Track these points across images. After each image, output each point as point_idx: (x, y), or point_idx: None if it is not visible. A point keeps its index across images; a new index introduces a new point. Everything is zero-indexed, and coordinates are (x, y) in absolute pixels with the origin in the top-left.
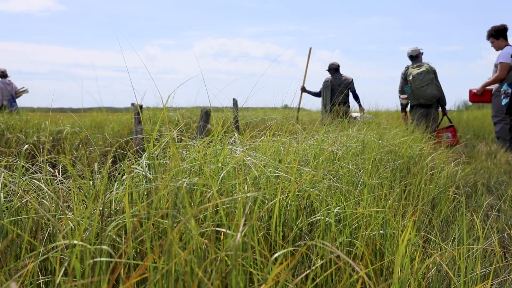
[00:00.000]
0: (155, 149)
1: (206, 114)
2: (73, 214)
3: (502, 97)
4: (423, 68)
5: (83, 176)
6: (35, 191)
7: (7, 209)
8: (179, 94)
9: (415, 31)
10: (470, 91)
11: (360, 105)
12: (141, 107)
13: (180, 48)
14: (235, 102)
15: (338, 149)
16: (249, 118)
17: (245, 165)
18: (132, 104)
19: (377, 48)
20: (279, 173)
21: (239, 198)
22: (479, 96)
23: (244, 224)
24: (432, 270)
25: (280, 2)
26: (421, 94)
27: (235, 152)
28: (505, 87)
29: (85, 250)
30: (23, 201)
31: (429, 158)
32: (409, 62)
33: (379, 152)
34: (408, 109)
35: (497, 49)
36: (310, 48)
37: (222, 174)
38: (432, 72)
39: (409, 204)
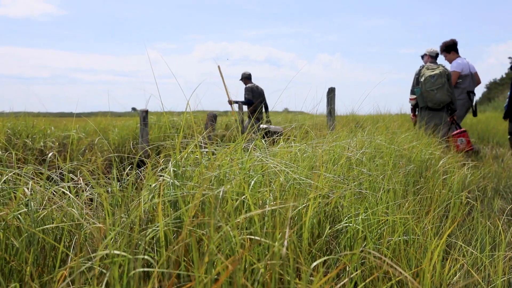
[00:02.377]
0: (182, 156)
1: (213, 118)
2: (98, 223)
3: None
4: (436, 71)
5: (102, 184)
6: (59, 200)
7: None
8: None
9: (416, 33)
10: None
11: (268, 116)
12: (146, 112)
13: (181, 52)
14: (240, 106)
15: (354, 154)
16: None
17: (272, 172)
18: (133, 109)
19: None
20: (307, 180)
21: (277, 208)
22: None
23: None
24: (458, 275)
25: (280, 5)
26: (430, 97)
27: (260, 159)
28: None
29: (126, 260)
30: (49, 210)
31: (441, 162)
32: (421, 63)
33: (392, 156)
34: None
35: (450, 62)
36: (219, 66)
37: (253, 182)
38: (445, 76)
39: (425, 209)
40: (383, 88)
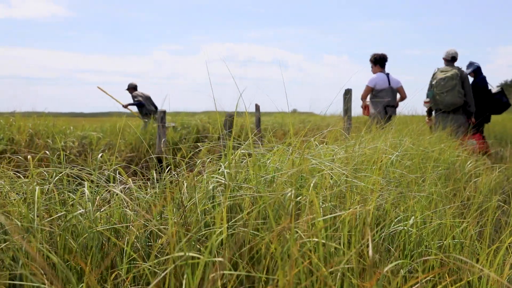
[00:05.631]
0: (235, 157)
1: (230, 119)
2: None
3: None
4: (448, 74)
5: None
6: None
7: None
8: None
9: (422, 35)
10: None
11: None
12: (164, 112)
13: (188, 53)
14: (257, 107)
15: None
16: (267, 123)
17: (325, 174)
18: None
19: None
20: (360, 184)
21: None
22: (363, 110)
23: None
24: None
25: (285, 6)
26: (440, 100)
27: (310, 161)
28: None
29: (202, 262)
30: (107, 211)
31: (470, 165)
32: (441, 64)
33: (423, 159)
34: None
35: (374, 73)
36: (99, 87)
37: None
38: (457, 78)
39: (464, 212)
40: None
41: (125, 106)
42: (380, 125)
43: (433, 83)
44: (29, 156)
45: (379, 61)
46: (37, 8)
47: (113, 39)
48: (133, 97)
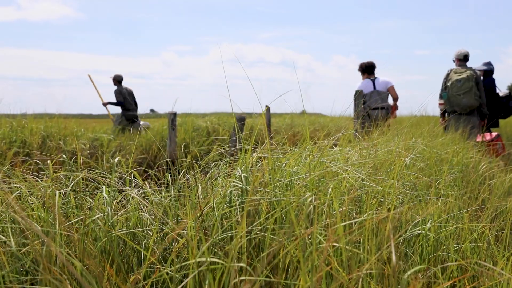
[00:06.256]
0: (252, 160)
1: (240, 121)
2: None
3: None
4: (463, 75)
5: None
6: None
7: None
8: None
9: (432, 35)
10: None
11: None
12: (175, 114)
13: (196, 54)
14: (268, 108)
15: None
16: (276, 124)
17: (336, 176)
18: (152, 110)
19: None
20: (377, 187)
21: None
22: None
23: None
24: None
25: (293, 6)
26: (457, 102)
27: (327, 165)
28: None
29: (226, 268)
30: (124, 215)
31: (483, 167)
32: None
33: (434, 161)
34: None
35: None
36: (89, 75)
37: (330, 189)
38: (473, 80)
39: (480, 214)
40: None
41: (105, 104)
42: (357, 126)
43: (447, 84)
44: (48, 161)
45: (366, 70)
46: (48, 10)
47: (122, 40)
48: (115, 93)
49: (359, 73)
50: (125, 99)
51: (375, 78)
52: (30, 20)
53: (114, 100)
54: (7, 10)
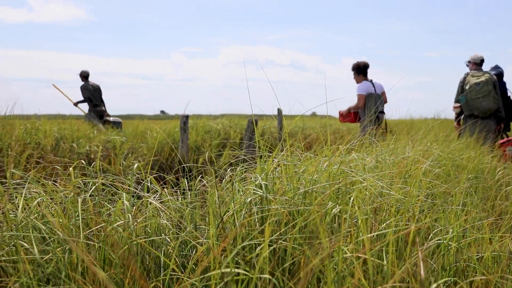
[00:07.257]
0: (272, 167)
1: (252, 124)
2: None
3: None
4: (482, 78)
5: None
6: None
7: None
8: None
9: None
10: (339, 112)
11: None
12: (187, 117)
13: (205, 56)
14: (279, 111)
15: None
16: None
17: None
18: (162, 112)
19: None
20: (398, 196)
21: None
22: (344, 117)
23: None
24: None
25: (302, 8)
26: (476, 105)
27: (345, 172)
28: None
29: (252, 279)
30: (143, 223)
31: (499, 172)
32: (467, 69)
33: (450, 167)
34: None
35: (357, 82)
36: (53, 85)
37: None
38: (491, 83)
39: (498, 224)
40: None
41: (75, 104)
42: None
43: (466, 88)
44: (70, 168)
45: (362, 70)
46: (58, 12)
47: (132, 42)
48: (81, 90)
49: (352, 73)
50: (92, 95)
51: (371, 80)
52: (41, 22)
53: (81, 98)
54: (19, 12)
